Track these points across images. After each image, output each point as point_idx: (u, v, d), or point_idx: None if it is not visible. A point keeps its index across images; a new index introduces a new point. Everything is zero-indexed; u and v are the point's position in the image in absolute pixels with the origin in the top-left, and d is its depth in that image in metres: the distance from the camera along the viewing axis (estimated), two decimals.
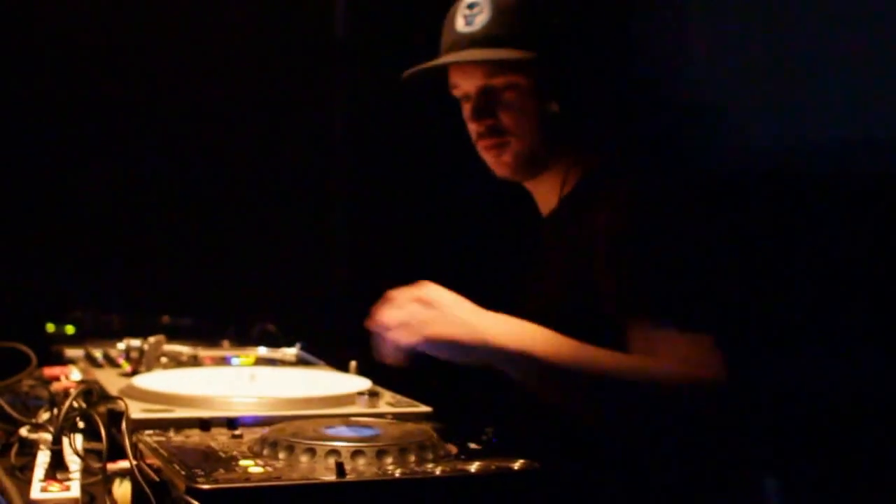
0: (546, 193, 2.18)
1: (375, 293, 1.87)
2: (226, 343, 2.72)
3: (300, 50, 3.66)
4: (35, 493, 1.57)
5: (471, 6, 2.07)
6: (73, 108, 3.39)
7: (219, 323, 2.78)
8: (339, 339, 2.89)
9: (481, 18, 2.04)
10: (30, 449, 1.80)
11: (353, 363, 2.24)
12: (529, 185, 2.22)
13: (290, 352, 2.61)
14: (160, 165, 3.53)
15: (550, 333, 1.84)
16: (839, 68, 2.92)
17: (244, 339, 2.75)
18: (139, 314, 2.86)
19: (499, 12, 2.03)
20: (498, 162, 2.11)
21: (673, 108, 3.07)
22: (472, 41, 2.04)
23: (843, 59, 2.90)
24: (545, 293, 2.12)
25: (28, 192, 3.31)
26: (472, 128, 2.12)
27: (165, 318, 3.01)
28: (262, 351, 2.62)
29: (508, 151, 2.08)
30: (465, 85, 2.11)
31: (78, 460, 1.68)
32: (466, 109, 2.13)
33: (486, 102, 2.07)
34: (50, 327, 2.82)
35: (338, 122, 3.84)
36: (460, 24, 2.07)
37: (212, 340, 2.70)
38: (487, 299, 1.90)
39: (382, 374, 2.17)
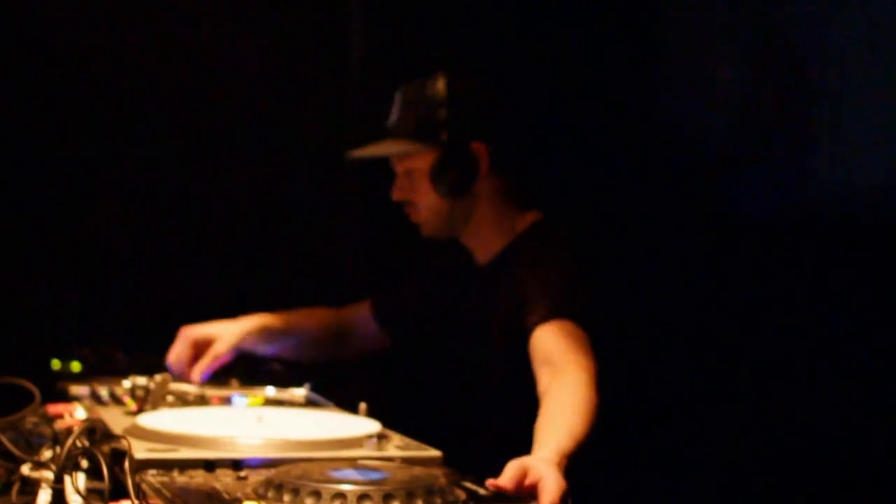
0: (481, 247, 2.60)
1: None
2: (233, 382, 2.70)
3: (315, 80, 3.68)
4: None
5: (394, 102, 2.58)
6: (80, 143, 3.39)
7: (227, 362, 2.75)
8: (349, 380, 2.87)
9: (393, 114, 2.57)
10: (31, 487, 1.77)
11: (362, 405, 2.21)
12: (463, 241, 2.62)
13: (299, 392, 2.58)
14: (170, 203, 3.52)
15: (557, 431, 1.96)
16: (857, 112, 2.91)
17: (252, 379, 2.72)
18: (146, 352, 2.84)
19: (400, 110, 2.56)
20: (418, 227, 2.60)
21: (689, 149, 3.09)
22: (387, 133, 2.58)
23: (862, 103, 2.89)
24: (484, 337, 2.51)
25: (35, 231, 3.30)
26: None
27: None
28: (271, 391, 2.59)
29: (416, 218, 2.59)
30: (393, 164, 2.60)
31: (80, 500, 1.65)
32: None
33: (402, 181, 2.58)
34: (55, 364, 2.80)
35: (348, 158, 3.83)
36: (390, 115, 2.59)
37: (219, 380, 2.67)
38: None
39: (392, 416, 2.15)
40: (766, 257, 2.79)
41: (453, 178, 2.51)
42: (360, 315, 2.86)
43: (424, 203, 2.55)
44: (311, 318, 2.85)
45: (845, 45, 2.96)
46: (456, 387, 2.68)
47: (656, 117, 3.10)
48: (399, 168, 2.57)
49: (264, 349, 2.75)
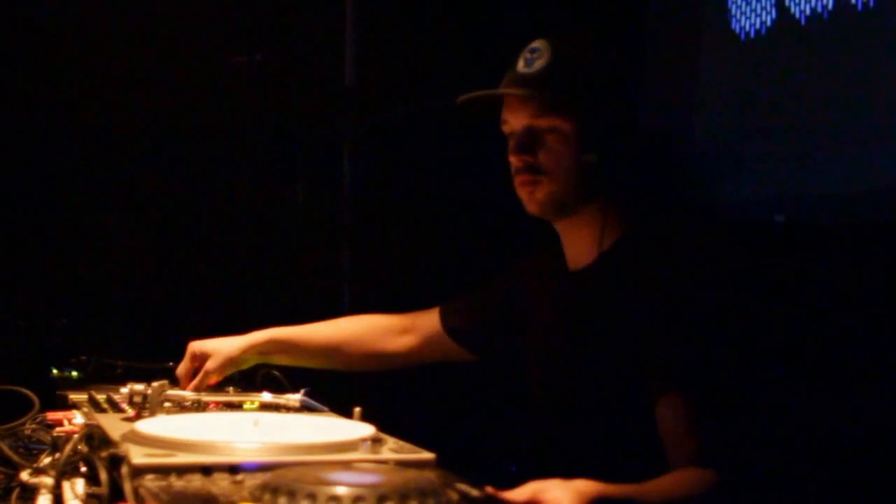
0: (578, 242, 2.31)
1: None
2: (230, 389, 2.72)
3: (310, 97, 3.71)
4: None
5: (532, 50, 2.23)
6: (81, 153, 3.42)
7: (218, 380, 2.77)
8: (343, 385, 2.89)
9: (540, 63, 2.20)
10: (31, 493, 1.79)
11: (357, 409, 2.23)
12: (561, 228, 2.34)
13: (295, 397, 2.60)
14: (167, 212, 3.55)
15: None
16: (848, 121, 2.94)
17: (248, 385, 2.74)
18: (144, 359, 2.86)
19: (556, 59, 2.19)
20: (530, 199, 2.26)
21: (683, 159, 3.11)
22: (527, 81, 2.21)
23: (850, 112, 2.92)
24: (572, 345, 2.25)
25: (35, 240, 3.32)
26: (512, 161, 2.25)
27: (170, 364, 3.01)
28: (267, 396, 2.61)
29: (540, 190, 2.22)
30: (512, 121, 2.25)
31: None
32: (510, 144, 2.27)
33: (529, 141, 2.21)
34: (55, 372, 2.82)
35: (345, 166, 3.87)
36: (520, 65, 2.24)
37: (216, 386, 2.69)
38: None
39: (387, 420, 2.17)
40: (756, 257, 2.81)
41: (602, 156, 2.20)
42: (428, 322, 2.69)
43: (562, 170, 2.21)
44: (340, 327, 2.71)
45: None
46: (533, 395, 2.46)
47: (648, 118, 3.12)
48: (530, 124, 2.23)
49: (283, 361, 2.67)
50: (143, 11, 3.51)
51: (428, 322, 2.68)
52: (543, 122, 2.20)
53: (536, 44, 2.23)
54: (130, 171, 3.48)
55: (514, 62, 2.26)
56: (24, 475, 1.84)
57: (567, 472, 1.90)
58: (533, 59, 2.21)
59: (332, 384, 2.72)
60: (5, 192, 3.30)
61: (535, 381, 2.44)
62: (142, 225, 3.50)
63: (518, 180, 2.25)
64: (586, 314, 2.25)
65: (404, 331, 2.72)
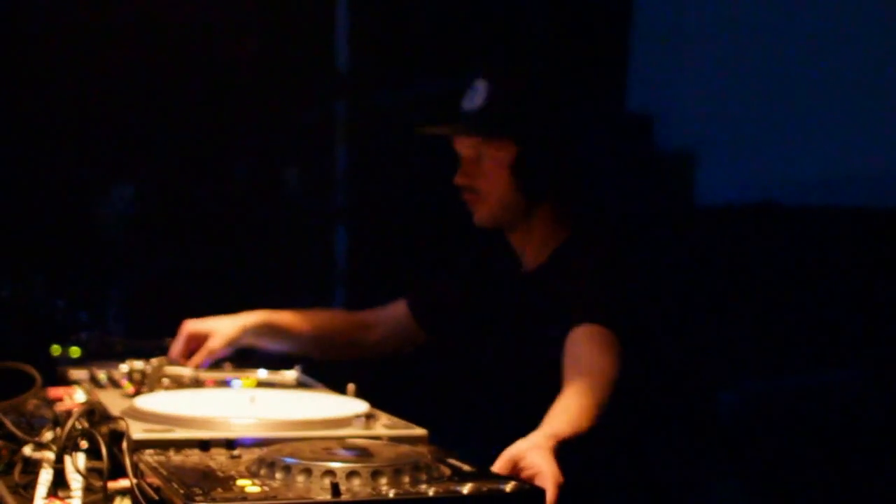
0: (529, 247, 2.57)
1: None
2: (227, 366, 2.75)
3: (303, 81, 3.73)
4: None
5: (473, 89, 2.51)
6: (79, 137, 3.44)
7: (221, 357, 2.80)
8: (337, 362, 2.92)
9: (479, 100, 2.49)
10: (33, 467, 1.83)
11: (351, 386, 2.27)
12: (511, 237, 2.60)
13: (290, 375, 2.64)
14: (164, 191, 3.58)
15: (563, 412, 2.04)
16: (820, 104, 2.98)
17: (245, 362, 2.78)
18: (143, 337, 2.90)
19: (492, 97, 2.47)
20: (474, 215, 2.56)
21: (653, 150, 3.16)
22: (468, 117, 2.51)
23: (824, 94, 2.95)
24: (527, 340, 2.50)
25: (36, 218, 3.35)
26: (455, 182, 2.56)
27: (169, 341, 3.04)
28: (263, 374, 2.65)
29: (479, 209, 2.54)
30: (458, 148, 2.56)
31: (80, 479, 1.71)
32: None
33: (469, 166, 2.52)
34: (55, 349, 2.86)
35: (338, 150, 3.90)
36: (464, 101, 2.53)
37: (213, 363, 2.73)
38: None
39: (379, 397, 2.21)
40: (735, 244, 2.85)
41: (537, 176, 2.49)
42: (391, 314, 2.85)
43: (496, 194, 2.50)
44: (321, 317, 2.84)
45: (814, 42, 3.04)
46: (483, 385, 2.67)
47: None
48: (472, 153, 2.52)
49: (266, 345, 2.75)
50: (135, 1, 3.53)
51: (392, 313, 2.85)
52: (473, 153, 2.50)
53: (477, 83, 2.49)
54: (126, 155, 3.50)
55: (462, 97, 2.53)
56: (27, 450, 1.88)
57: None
58: (472, 96, 2.50)
59: (325, 362, 2.76)
60: (5, 172, 3.33)
61: (489, 366, 2.66)
62: (138, 208, 3.53)
63: (464, 198, 2.56)
64: (538, 312, 2.49)
65: (372, 325, 2.87)
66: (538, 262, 2.55)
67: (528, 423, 2.32)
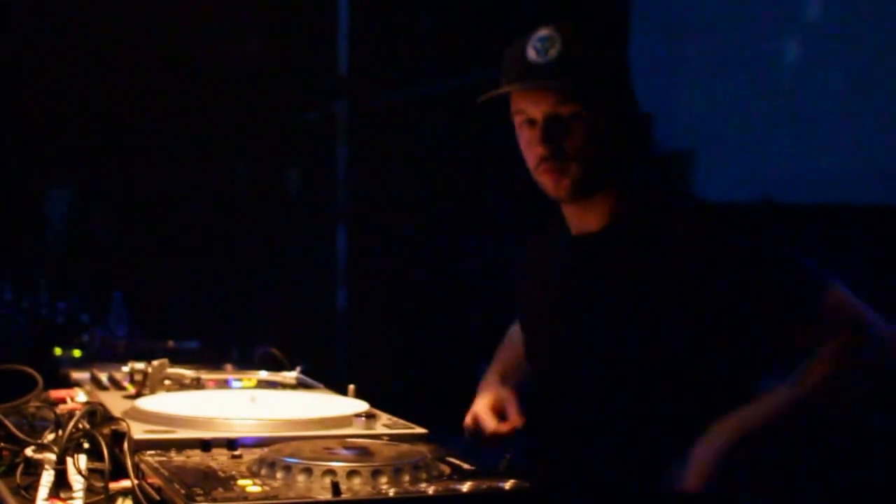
0: (589, 214, 2.30)
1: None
2: (228, 367, 2.76)
3: (304, 83, 3.75)
4: None
5: (542, 39, 2.21)
6: (81, 141, 3.46)
7: (222, 347, 2.82)
8: (338, 363, 2.94)
9: (554, 51, 2.19)
10: (35, 469, 1.83)
11: (351, 386, 2.27)
12: (573, 208, 2.32)
13: (291, 375, 2.65)
14: (167, 194, 3.59)
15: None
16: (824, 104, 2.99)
17: (246, 363, 2.78)
18: (144, 338, 2.91)
19: (569, 47, 2.18)
20: (557, 185, 2.24)
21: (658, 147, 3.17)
22: (544, 70, 2.19)
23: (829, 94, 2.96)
24: (597, 307, 2.24)
25: (37, 221, 3.37)
26: (537, 151, 2.23)
27: (170, 343, 3.06)
28: (264, 374, 2.65)
29: (568, 176, 2.22)
30: (532, 111, 2.23)
31: (81, 480, 1.72)
32: (527, 134, 2.26)
33: (554, 129, 2.20)
34: (57, 351, 2.87)
35: (339, 150, 3.91)
36: (532, 55, 2.22)
37: (214, 364, 2.73)
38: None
39: (379, 397, 2.22)
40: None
41: (626, 129, 2.26)
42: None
43: (587, 154, 2.21)
44: (515, 349, 2.59)
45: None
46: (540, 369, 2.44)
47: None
48: (560, 111, 2.20)
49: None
50: (140, 2, 3.54)
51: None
52: (566, 110, 2.20)
53: (544, 32, 2.22)
54: (127, 158, 3.52)
55: (520, 52, 2.24)
56: (29, 451, 1.88)
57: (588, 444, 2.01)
58: (544, 48, 2.21)
59: (325, 362, 2.77)
60: (7, 175, 3.34)
61: (543, 353, 2.44)
62: (140, 211, 3.54)
63: (544, 167, 2.24)
64: (597, 276, 2.27)
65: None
66: (593, 229, 2.31)
67: (587, 419, 2.25)
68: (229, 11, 3.66)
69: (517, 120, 2.29)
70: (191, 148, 3.56)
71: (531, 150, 2.26)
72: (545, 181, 2.26)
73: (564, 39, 2.19)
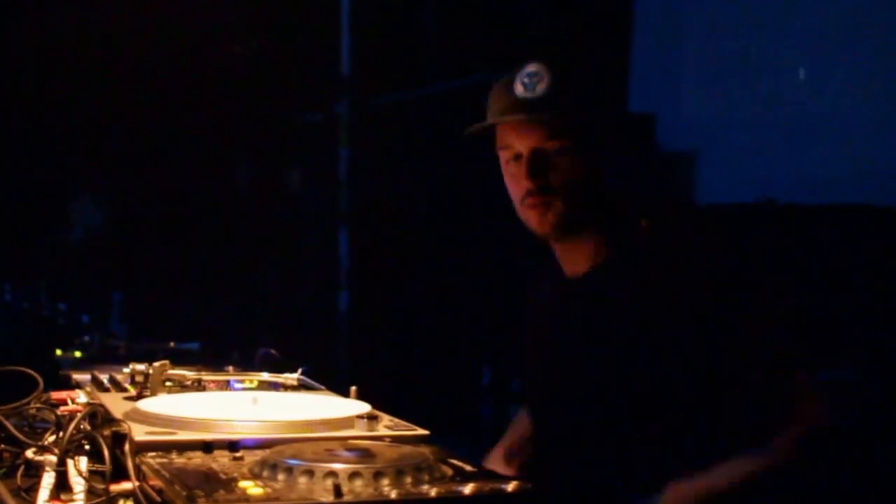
0: (577, 254, 2.30)
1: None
2: (229, 368, 2.75)
3: (306, 84, 3.75)
4: None
5: (530, 75, 2.21)
6: (81, 145, 3.46)
7: (223, 349, 2.81)
8: (339, 364, 2.93)
9: (541, 86, 2.18)
10: (35, 471, 1.83)
11: (353, 388, 2.27)
12: (561, 247, 2.34)
13: (292, 377, 2.64)
14: (169, 196, 3.59)
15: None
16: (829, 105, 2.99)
17: (247, 365, 2.78)
18: (145, 340, 2.90)
19: (557, 81, 2.18)
20: (542, 220, 2.24)
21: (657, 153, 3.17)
22: (530, 105, 2.20)
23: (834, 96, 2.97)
24: (594, 346, 2.24)
25: (38, 222, 3.37)
26: (522, 185, 2.23)
27: (171, 344, 3.05)
28: (265, 376, 2.64)
29: (553, 211, 2.22)
30: (518, 145, 2.23)
31: (82, 482, 1.72)
32: (513, 169, 2.26)
33: (539, 163, 2.20)
34: (58, 352, 2.86)
35: (341, 152, 3.91)
36: (520, 90, 2.22)
37: (216, 365, 2.73)
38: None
39: (380, 398, 2.21)
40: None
41: (617, 164, 2.26)
42: None
43: (572, 189, 2.21)
44: (525, 425, 2.60)
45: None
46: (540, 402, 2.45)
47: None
48: (546, 146, 2.21)
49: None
50: (143, 4, 3.54)
51: None
52: (552, 144, 2.20)
53: (532, 67, 2.22)
54: (128, 160, 3.52)
55: (508, 87, 2.25)
56: (29, 453, 1.88)
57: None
58: (532, 83, 2.21)
59: (327, 364, 2.76)
60: (8, 182, 3.34)
61: (539, 393, 2.46)
62: (140, 212, 3.54)
63: (528, 202, 2.24)
64: (589, 318, 2.27)
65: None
66: (583, 270, 2.32)
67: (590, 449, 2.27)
68: (231, 13, 3.66)
69: (503, 156, 2.29)
70: (192, 149, 3.56)
71: (517, 184, 2.26)
72: (529, 216, 2.26)
73: (552, 75, 2.19)
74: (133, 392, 2.34)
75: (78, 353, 2.87)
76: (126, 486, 1.64)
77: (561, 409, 2.34)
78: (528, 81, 2.20)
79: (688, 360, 2.11)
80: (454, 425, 2.32)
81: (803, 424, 2.05)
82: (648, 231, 2.28)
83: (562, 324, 2.35)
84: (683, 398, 2.13)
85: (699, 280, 2.13)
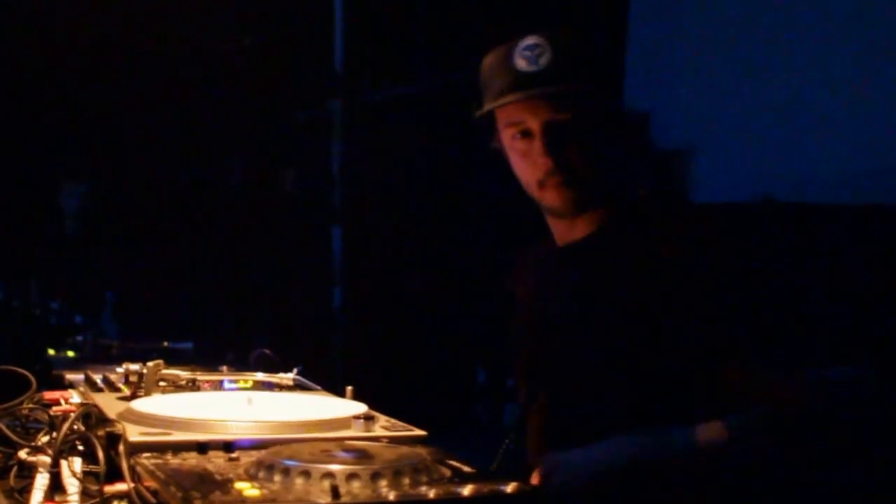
0: (577, 227, 2.24)
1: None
2: (224, 368, 2.74)
3: (300, 82, 3.74)
4: None
5: (531, 48, 2.13)
6: (73, 142, 3.45)
7: (218, 348, 2.80)
8: (335, 364, 2.92)
9: (545, 58, 2.10)
10: (29, 472, 1.82)
11: (349, 388, 2.25)
12: (564, 221, 2.26)
13: (288, 377, 2.62)
14: (163, 196, 3.58)
15: (639, 439, 2.01)
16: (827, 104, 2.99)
17: (242, 365, 2.76)
18: (139, 339, 2.89)
19: (561, 52, 2.11)
20: (561, 197, 2.17)
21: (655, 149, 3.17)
22: (541, 79, 2.11)
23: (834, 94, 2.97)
24: (580, 316, 2.19)
25: (30, 221, 3.36)
26: (538, 162, 2.16)
27: (165, 344, 3.04)
28: (260, 376, 2.63)
29: (576, 188, 2.15)
30: (529, 121, 2.15)
31: (76, 483, 1.70)
32: (522, 146, 2.18)
33: (555, 138, 2.12)
34: (51, 352, 2.85)
35: (334, 149, 3.90)
36: (522, 65, 2.13)
37: (210, 365, 2.71)
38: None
39: (375, 398, 2.20)
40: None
41: (622, 133, 2.20)
42: None
43: (592, 163, 2.15)
44: None
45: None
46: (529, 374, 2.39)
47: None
48: (560, 118, 2.13)
49: None
50: (136, 0, 3.53)
51: None
52: (563, 117, 2.12)
53: (532, 40, 2.14)
54: (119, 157, 3.50)
55: (508, 62, 2.16)
56: (22, 454, 1.87)
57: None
58: (534, 56, 2.13)
59: (322, 364, 2.75)
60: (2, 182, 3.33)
61: (537, 363, 2.38)
62: (132, 210, 3.53)
63: (552, 182, 2.16)
64: (586, 279, 2.22)
65: None
66: (585, 234, 2.25)
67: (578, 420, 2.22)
68: (225, 10, 3.65)
69: (508, 133, 2.21)
70: (184, 146, 3.55)
71: (529, 162, 2.18)
72: (551, 197, 2.19)
73: (554, 46, 2.12)
74: (127, 392, 2.33)
75: (71, 353, 2.85)
76: (120, 487, 1.63)
77: (558, 375, 2.28)
78: (530, 55, 2.12)
79: (676, 329, 2.07)
80: (449, 425, 2.30)
81: (766, 408, 2.01)
82: (647, 201, 2.25)
83: (557, 288, 2.28)
84: (672, 366, 2.08)
85: (683, 258, 2.09)
